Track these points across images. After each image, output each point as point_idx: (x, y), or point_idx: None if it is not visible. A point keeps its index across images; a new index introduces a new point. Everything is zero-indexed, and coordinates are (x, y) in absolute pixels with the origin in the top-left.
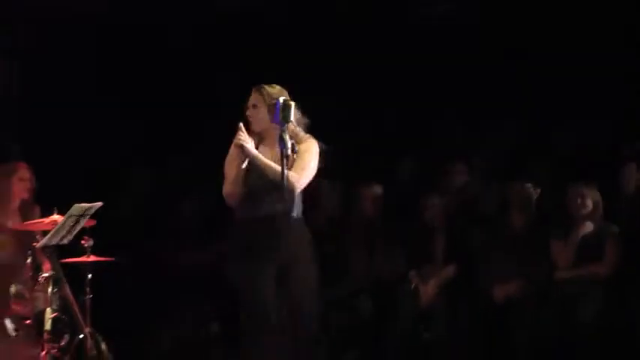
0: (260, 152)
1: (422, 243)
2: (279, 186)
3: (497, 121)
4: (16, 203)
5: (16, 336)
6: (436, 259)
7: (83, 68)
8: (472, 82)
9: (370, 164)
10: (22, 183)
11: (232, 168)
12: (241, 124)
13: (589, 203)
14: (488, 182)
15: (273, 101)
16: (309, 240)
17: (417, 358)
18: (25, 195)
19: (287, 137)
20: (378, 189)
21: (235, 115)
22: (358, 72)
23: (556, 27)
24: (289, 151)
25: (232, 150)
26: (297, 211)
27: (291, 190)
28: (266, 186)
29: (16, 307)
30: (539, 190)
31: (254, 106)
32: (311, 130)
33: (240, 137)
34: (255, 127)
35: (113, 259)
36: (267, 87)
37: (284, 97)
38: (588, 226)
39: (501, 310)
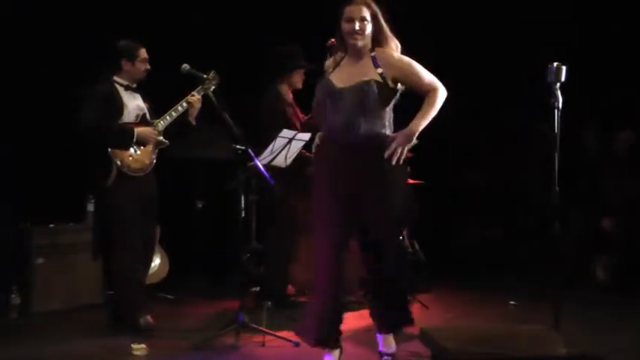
0: (343, 66)
1: None
2: None
3: None
4: None
5: None
6: None
7: None
8: None
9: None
10: None
11: None
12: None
13: None
14: None
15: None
16: None
17: None
18: None
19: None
20: (630, 134)
21: None
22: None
23: None
24: None
25: None
26: None
27: None
28: None
29: None
30: None
31: (363, 19)
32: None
33: None
34: (359, 42)
35: (422, 182)
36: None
37: (557, 62)
38: None
39: None
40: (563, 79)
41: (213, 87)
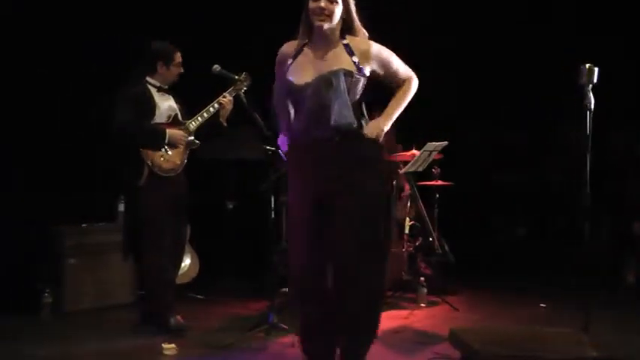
0: (304, 57)
1: None
2: None
3: None
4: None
5: None
6: None
7: None
8: None
9: None
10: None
11: None
12: None
13: None
14: None
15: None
16: None
17: None
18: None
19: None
20: None
21: None
22: None
23: None
24: None
25: None
26: None
27: None
28: None
29: None
30: None
31: None
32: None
33: None
34: (326, 24)
35: (453, 183)
36: None
37: (589, 64)
38: None
39: None
40: (595, 80)
41: (244, 88)
